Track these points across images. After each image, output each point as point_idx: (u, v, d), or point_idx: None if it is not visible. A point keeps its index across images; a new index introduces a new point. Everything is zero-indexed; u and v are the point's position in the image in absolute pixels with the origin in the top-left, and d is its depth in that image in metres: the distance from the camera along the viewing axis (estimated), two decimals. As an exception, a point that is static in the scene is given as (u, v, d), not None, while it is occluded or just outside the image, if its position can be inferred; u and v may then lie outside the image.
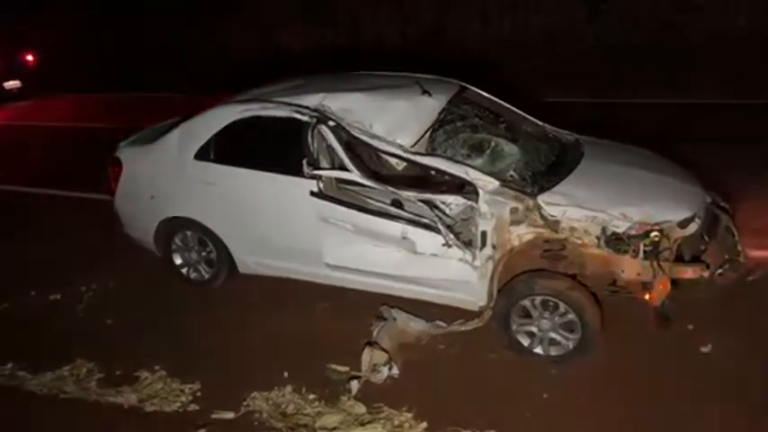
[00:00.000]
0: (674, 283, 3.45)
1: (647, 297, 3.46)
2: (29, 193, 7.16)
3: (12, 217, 6.50)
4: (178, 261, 4.67)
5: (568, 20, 11.66)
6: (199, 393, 3.67)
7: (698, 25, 10.61)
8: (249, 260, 4.39)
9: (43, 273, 5.15)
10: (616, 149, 4.31)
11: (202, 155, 4.28)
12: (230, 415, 3.48)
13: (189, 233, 4.53)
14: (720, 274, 3.53)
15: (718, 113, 7.43)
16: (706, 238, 3.59)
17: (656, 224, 3.39)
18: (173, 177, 4.44)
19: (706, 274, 3.41)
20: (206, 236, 4.44)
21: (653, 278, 3.39)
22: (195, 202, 4.37)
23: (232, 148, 4.20)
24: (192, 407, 3.58)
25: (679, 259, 3.54)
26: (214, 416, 3.48)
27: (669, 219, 3.44)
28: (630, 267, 3.42)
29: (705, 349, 3.63)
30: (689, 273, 3.43)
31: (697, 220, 3.53)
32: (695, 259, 3.54)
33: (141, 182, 4.62)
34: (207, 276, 4.63)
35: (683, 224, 3.48)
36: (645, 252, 3.46)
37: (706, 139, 6.18)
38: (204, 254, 4.56)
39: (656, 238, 3.44)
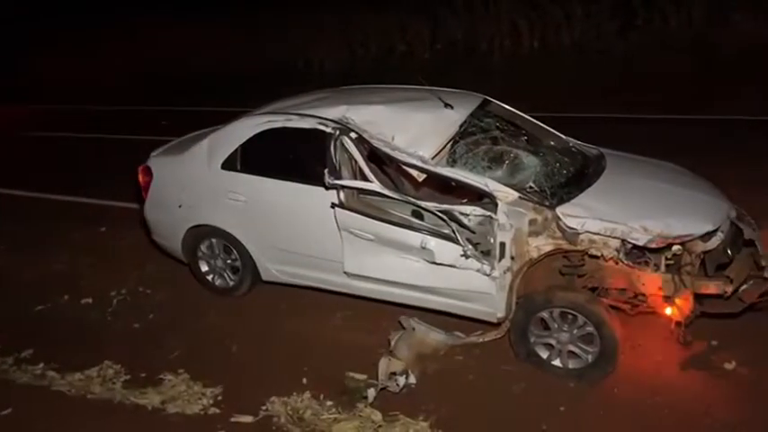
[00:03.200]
0: (697, 297, 3.42)
1: (668, 312, 3.44)
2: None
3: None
4: (204, 268, 4.79)
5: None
6: (220, 397, 3.75)
7: (732, 39, 10.44)
8: (272, 268, 4.47)
9: (75, 278, 5.34)
10: (640, 163, 4.25)
11: (229, 165, 4.39)
12: (249, 419, 3.55)
13: (214, 241, 4.64)
14: (744, 289, 3.45)
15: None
16: (730, 253, 3.53)
17: (678, 237, 3.35)
18: (200, 186, 4.56)
19: (729, 289, 3.34)
20: (231, 244, 4.55)
21: (675, 293, 3.36)
22: (221, 211, 4.48)
23: (257, 158, 4.31)
24: (213, 410, 3.66)
25: (702, 274, 3.50)
26: (233, 419, 3.56)
27: (691, 232, 3.39)
28: (651, 281, 3.40)
29: (729, 366, 3.56)
30: (711, 288, 3.38)
31: (720, 234, 3.47)
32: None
33: (170, 191, 4.75)
34: (231, 283, 4.73)
35: (706, 238, 3.44)
36: (666, 266, 3.44)
37: (734, 155, 6.09)
38: (229, 261, 4.67)
39: (678, 252, 3.41)
